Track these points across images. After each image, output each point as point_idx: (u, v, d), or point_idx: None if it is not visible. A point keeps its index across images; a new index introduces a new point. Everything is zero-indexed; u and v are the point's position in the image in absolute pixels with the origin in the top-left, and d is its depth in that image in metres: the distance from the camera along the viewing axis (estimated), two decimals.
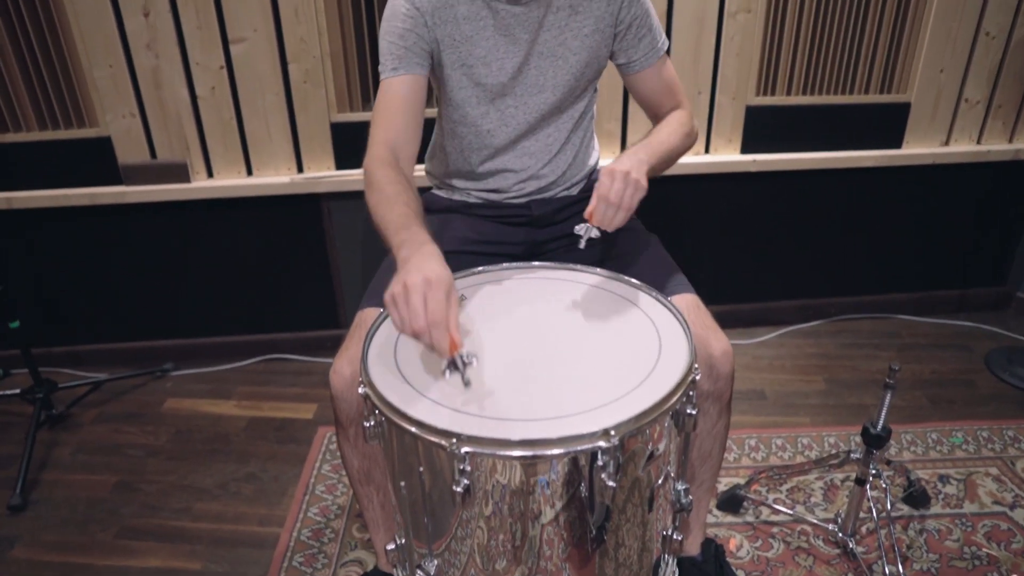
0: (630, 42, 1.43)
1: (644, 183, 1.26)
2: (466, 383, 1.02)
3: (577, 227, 1.30)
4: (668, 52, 1.49)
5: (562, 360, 1.12)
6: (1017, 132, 2.42)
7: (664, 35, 1.47)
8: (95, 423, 2.24)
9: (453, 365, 1.02)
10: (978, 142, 2.43)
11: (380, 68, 1.36)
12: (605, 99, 2.21)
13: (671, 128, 1.44)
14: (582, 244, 1.29)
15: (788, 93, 2.30)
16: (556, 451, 0.94)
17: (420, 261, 1.04)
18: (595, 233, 1.28)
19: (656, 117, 1.52)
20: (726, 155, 2.36)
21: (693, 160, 2.33)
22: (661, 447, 1.05)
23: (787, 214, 2.49)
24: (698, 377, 1.07)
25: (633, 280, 1.30)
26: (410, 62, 1.34)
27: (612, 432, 0.93)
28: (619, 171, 1.24)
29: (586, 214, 1.26)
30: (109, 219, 2.29)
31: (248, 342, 2.53)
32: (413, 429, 0.98)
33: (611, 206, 1.24)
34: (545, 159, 1.51)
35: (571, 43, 1.40)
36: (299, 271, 2.44)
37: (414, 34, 1.34)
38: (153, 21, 2.03)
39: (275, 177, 2.26)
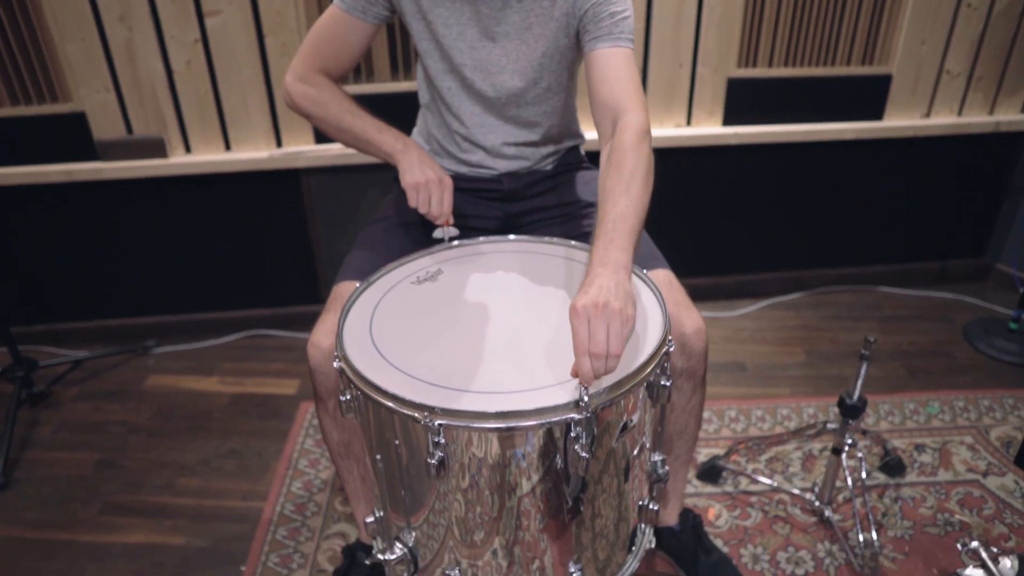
0: (589, 20, 1.30)
1: (629, 310, 0.98)
2: (451, 239, 1.41)
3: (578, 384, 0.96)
4: (647, 44, 1.40)
5: (537, 332, 1.13)
6: (998, 104, 2.43)
7: (631, 34, 1.31)
8: (76, 401, 2.24)
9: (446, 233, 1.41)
10: (959, 114, 2.43)
11: None
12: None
13: (630, 172, 1.14)
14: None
15: (770, 65, 2.29)
16: (529, 423, 0.95)
17: (426, 159, 1.41)
18: (586, 396, 0.94)
19: (605, 119, 1.28)
20: (707, 128, 2.35)
21: (674, 133, 2.32)
22: (635, 418, 1.06)
23: (768, 186, 2.49)
24: (672, 349, 1.08)
25: None
26: (357, 2, 1.38)
27: (584, 403, 0.94)
28: (590, 306, 0.96)
29: (572, 373, 0.98)
30: (86, 196, 2.26)
31: (230, 318, 2.52)
32: (388, 403, 0.99)
33: (598, 358, 0.94)
34: (510, 139, 1.49)
35: (535, 28, 1.35)
36: (279, 246, 2.43)
37: None
38: None
39: (254, 152, 2.24)
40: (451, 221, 1.42)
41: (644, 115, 1.23)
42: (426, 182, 1.38)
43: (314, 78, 1.45)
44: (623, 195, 1.11)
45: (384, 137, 1.43)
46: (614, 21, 1.29)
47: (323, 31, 1.43)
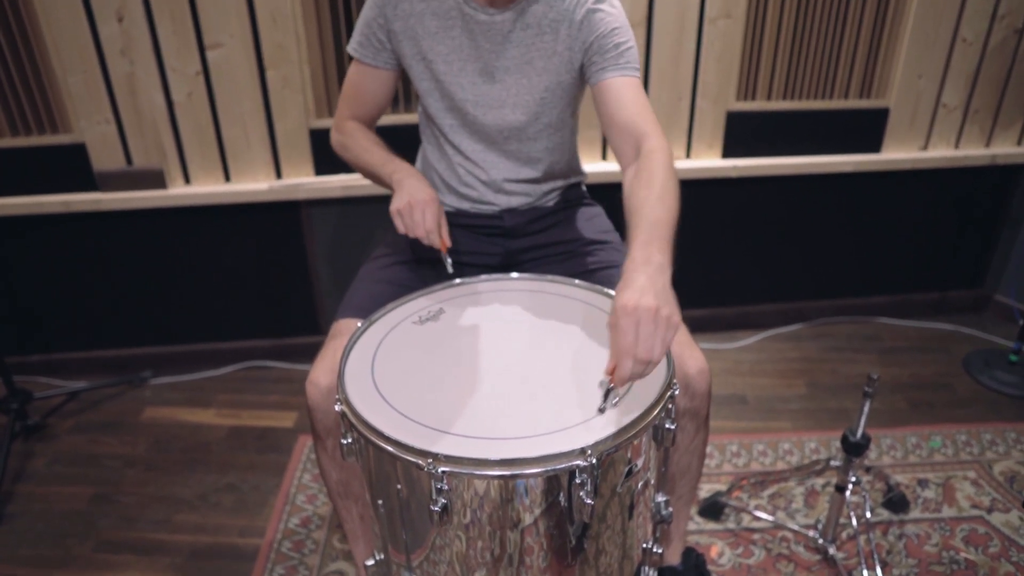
0: (594, 52, 1.32)
1: (676, 318, 0.97)
2: (451, 272, 1.37)
3: (602, 383, 1.01)
4: (647, 78, 1.42)
5: (540, 376, 1.12)
6: (994, 137, 2.44)
7: (637, 63, 1.34)
8: (71, 433, 2.21)
9: (444, 259, 1.38)
10: (956, 147, 2.45)
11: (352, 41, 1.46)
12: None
13: (662, 186, 1.16)
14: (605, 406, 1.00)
15: (768, 98, 2.31)
16: (533, 470, 0.94)
17: (414, 183, 1.37)
18: (614, 402, 0.99)
19: (627, 144, 1.29)
20: (707, 160, 2.36)
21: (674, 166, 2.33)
22: (640, 462, 1.05)
23: (768, 218, 2.50)
24: (677, 392, 1.07)
25: (611, 292, 1.29)
26: (366, 51, 1.44)
27: (589, 451, 0.93)
28: (643, 308, 0.94)
29: (607, 371, 1.00)
30: (85, 226, 2.26)
31: (227, 349, 2.51)
32: (390, 448, 0.97)
33: (642, 363, 0.95)
34: (511, 176, 1.49)
35: (536, 63, 1.36)
36: (278, 278, 2.42)
37: (376, 23, 1.40)
38: (127, 27, 2.00)
39: (253, 184, 2.24)
40: (447, 243, 1.36)
41: (666, 141, 1.26)
42: (408, 204, 1.33)
43: (345, 125, 1.51)
44: (658, 203, 1.12)
45: (386, 169, 1.43)
46: (619, 52, 1.32)
47: (349, 82, 1.50)
